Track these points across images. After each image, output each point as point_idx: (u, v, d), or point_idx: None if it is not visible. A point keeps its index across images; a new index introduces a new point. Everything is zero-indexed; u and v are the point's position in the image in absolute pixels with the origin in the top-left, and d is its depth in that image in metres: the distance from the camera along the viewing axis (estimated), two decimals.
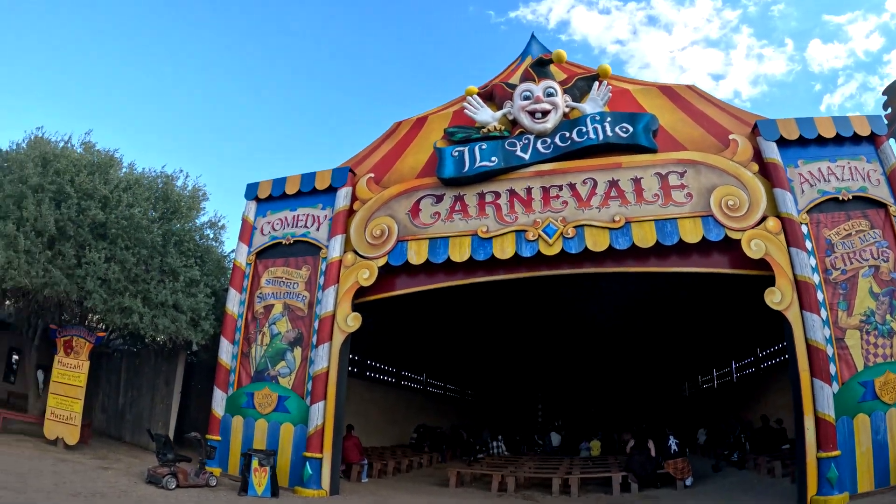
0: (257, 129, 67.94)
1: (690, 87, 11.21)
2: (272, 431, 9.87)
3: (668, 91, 11.11)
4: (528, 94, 10.50)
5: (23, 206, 10.09)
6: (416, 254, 9.91)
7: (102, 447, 11.18)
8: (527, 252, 9.46)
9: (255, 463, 9.01)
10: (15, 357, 14.80)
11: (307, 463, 9.32)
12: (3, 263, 9.64)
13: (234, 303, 10.77)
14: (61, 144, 11.45)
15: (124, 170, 11.56)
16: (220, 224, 12.48)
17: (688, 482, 10.77)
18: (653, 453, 11.15)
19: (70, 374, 10.72)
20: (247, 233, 11.21)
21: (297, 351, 10.20)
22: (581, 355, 21.66)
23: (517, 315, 15.53)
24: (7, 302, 12.38)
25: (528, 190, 9.91)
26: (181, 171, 12.55)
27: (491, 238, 9.66)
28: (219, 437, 10.16)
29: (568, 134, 10.11)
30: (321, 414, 9.51)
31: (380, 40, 68.29)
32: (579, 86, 10.83)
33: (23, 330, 12.25)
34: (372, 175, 10.88)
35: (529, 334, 18.12)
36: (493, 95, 10.97)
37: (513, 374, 26.06)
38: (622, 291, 12.97)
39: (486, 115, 10.59)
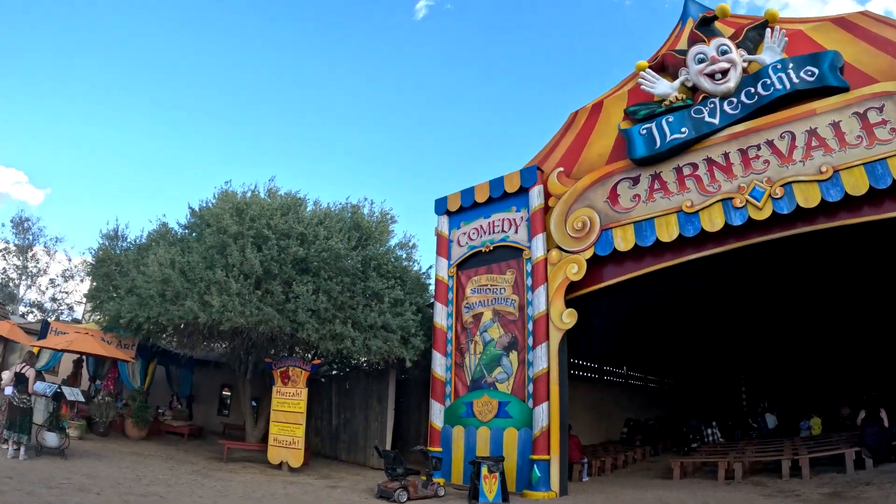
0: (413, 147, 70.09)
1: (864, 14, 10.07)
2: (495, 438, 9.99)
3: (841, 22, 10.03)
4: (702, 56, 9.93)
5: (226, 253, 11.01)
6: (623, 240, 9.68)
7: (323, 467, 11.89)
8: (737, 220, 8.90)
9: (484, 470, 9.10)
10: (225, 392, 16.28)
11: (535, 466, 9.32)
12: (219, 307, 10.54)
13: (441, 316, 11.14)
14: (249, 194, 12.42)
15: (311, 207, 12.33)
16: (410, 244, 12.96)
17: None
18: (886, 424, 10.11)
19: (289, 401, 11.53)
20: (444, 247, 11.58)
21: (513, 355, 10.28)
22: (784, 330, 20.09)
23: (714, 295, 14.72)
24: (221, 343, 13.57)
25: (726, 155, 9.35)
26: (366, 199, 13.07)
27: (697, 212, 9.20)
28: (440, 448, 10.45)
29: (753, 89, 9.45)
30: (545, 415, 9.50)
31: (514, 41, 68.21)
32: (750, 37, 10.11)
33: (235, 367, 13.38)
34: (561, 169, 10.83)
35: (728, 313, 17.09)
36: (664, 66, 10.50)
37: (713, 357, 24.76)
38: (825, 253, 11.86)
39: (664, 87, 10.16)
